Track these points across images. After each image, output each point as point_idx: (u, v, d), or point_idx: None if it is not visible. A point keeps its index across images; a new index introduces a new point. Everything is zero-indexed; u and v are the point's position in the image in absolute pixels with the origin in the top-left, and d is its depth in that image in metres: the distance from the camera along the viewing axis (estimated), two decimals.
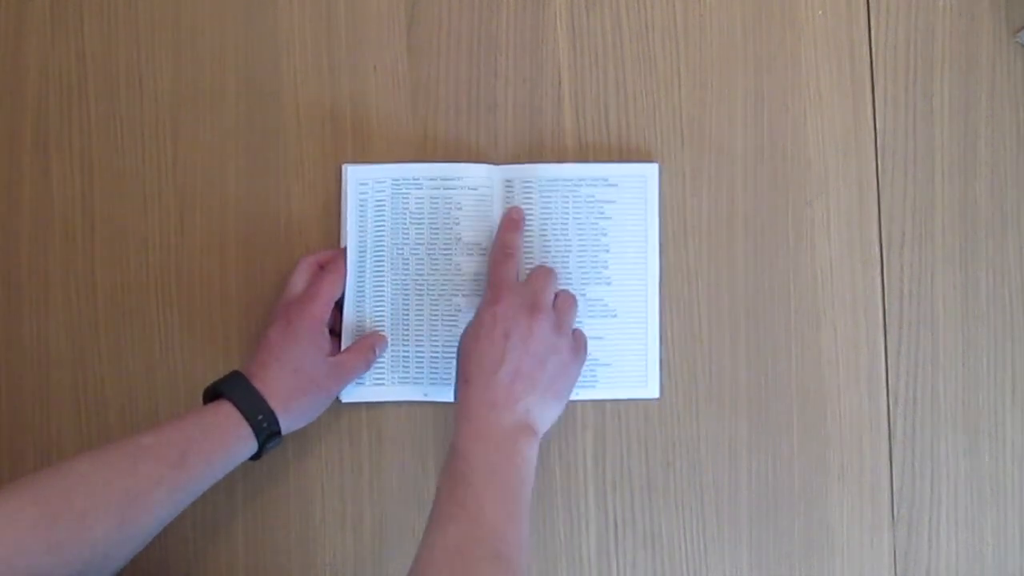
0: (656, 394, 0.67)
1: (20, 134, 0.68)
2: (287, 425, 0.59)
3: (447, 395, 0.66)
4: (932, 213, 0.68)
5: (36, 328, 0.67)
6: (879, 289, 0.68)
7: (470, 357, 0.58)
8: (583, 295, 0.66)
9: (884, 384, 0.68)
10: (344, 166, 0.67)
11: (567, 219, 0.67)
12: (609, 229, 0.67)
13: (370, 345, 0.65)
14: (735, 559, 0.67)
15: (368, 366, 0.65)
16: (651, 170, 0.67)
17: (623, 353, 0.67)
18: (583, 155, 0.68)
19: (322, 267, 0.65)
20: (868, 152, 0.69)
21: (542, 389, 0.57)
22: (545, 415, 0.58)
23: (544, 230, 0.67)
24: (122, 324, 0.67)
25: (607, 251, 0.67)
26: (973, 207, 0.68)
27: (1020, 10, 0.68)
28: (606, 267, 0.67)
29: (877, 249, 0.68)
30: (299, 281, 0.64)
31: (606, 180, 0.67)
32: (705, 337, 0.68)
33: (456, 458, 0.55)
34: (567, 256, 0.67)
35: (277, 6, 0.69)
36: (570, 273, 0.67)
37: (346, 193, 0.66)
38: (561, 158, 0.68)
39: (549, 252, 0.67)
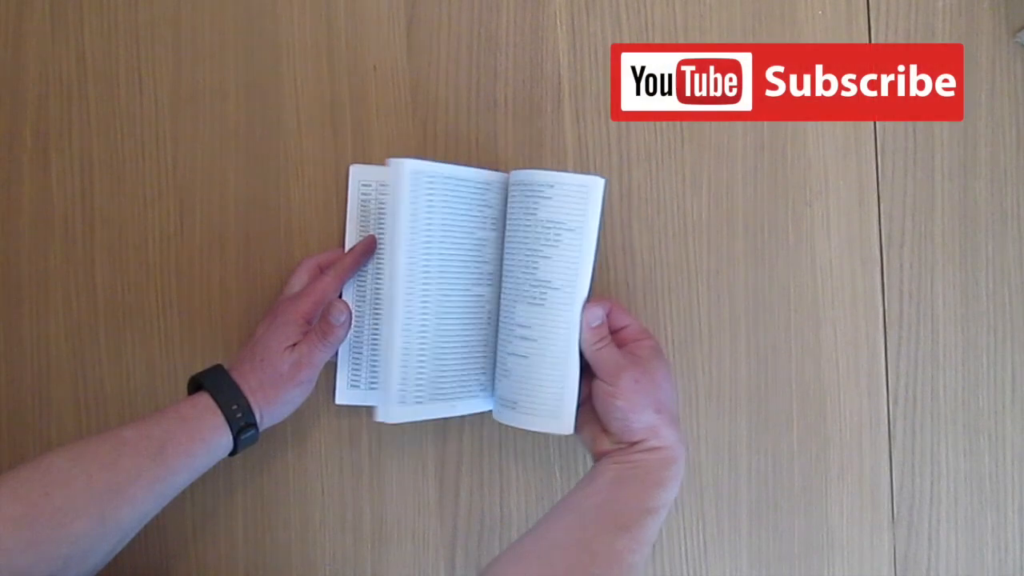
0: (570, 430, 0.60)
1: (20, 134, 0.68)
2: (263, 417, 0.59)
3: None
4: (932, 213, 0.68)
5: (36, 328, 0.67)
6: (879, 289, 0.68)
7: (674, 397, 0.59)
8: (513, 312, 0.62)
9: (884, 384, 0.68)
10: (350, 167, 0.66)
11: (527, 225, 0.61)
12: (552, 241, 0.60)
13: (323, 318, 0.61)
14: (735, 559, 0.67)
15: (330, 342, 0.60)
16: (595, 183, 0.59)
17: (540, 380, 0.61)
18: (583, 155, 0.68)
19: (323, 269, 0.65)
20: (868, 152, 0.69)
21: None
22: None
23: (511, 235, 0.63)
24: (122, 324, 0.67)
25: (548, 267, 0.60)
26: (973, 207, 0.68)
27: (1020, 10, 0.68)
28: (538, 287, 0.60)
29: (877, 249, 0.68)
30: (297, 282, 0.64)
31: (552, 187, 0.59)
32: (705, 337, 0.68)
33: (663, 491, 0.56)
34: (512, 265, 0.62)
35: (277, 6, 0.69)
36: (507, 288, 0.63)
37: (352, 194, 0.66)
38: (561, 158, 0.68)
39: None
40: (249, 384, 0.58)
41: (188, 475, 0.56)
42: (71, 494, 0.51)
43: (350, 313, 0.62)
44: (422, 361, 0.63)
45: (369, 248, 0.65)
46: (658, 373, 0.58)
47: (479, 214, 0.64)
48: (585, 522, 0.54)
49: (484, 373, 0.66)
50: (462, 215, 0.63)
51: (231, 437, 0.57)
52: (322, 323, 0.61)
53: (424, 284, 0.62)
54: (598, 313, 0.60)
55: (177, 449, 0.55)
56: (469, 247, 0.64)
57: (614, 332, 0.61)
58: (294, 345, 0.60)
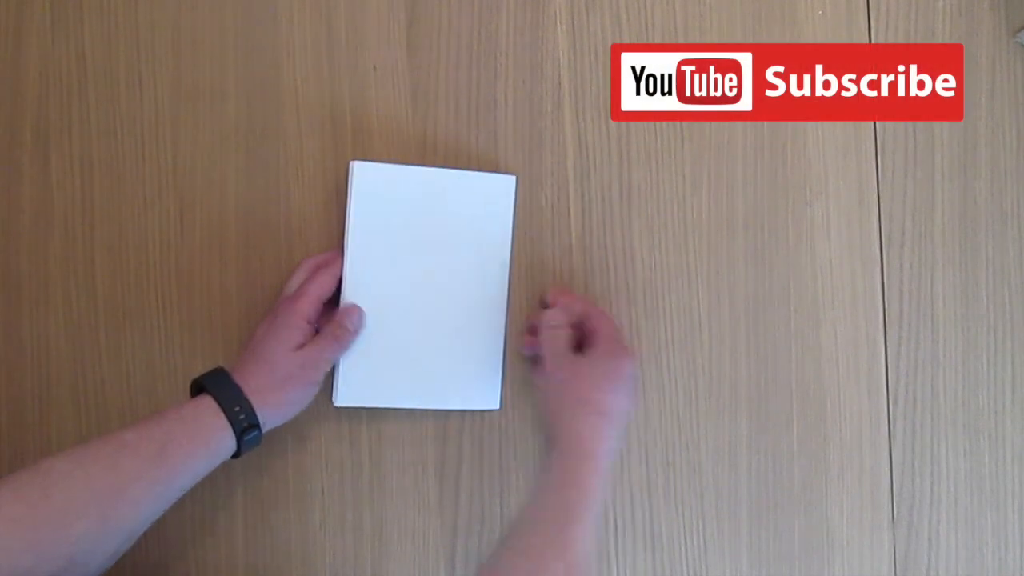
0: (497, 404, 0.66)
1: (20, 134, 0.68)
2: (266, 419, 0.58)
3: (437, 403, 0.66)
4: (932, 213, 0.68)
5: (36, 328, 0.67)
6: (879, 289, 0.68)
7: (608, 395, 0.58)
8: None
9: (884, 384, 0.68)
10: (351, 163, 0.66)
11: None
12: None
13: (337, 323, 0.62)
14: (735, 559, 0.67)
15: (342, 345, 0.62)
16: (507, 182, 0.66)
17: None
18: (583, 155, 0.68)
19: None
20: (868, 152, 0.69)
21: None
22: None
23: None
24: (122, 324, 0.67)
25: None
26: (973, 207, 0.68)
27: (1020, 10, 0.68)
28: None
29: (877, 249, 0.68)
30: (295, 282, 0.64)
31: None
32: (705, 337, 0.68)
33: (578, 491, 0.54)
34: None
35: (277, 6, 0.69)
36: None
37: (351, 189, 0.66)
38: (561, 158, 0.68)
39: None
40: (252, 386, 0.58)
41: (190, 477, 0.56)
42: (72, 495, 0.51)
43: (363, 316, 0.63)
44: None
45: None
46: (600, 374, 0.58)
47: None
48: (522, 543, 0.54)
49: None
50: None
51: (234, 439, 0.57)
52: (335, 327, 0.62)
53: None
54: (564, 300, 0.62)
55: (179, 450, 0.55)
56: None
57: (589, 333, 0.61)
58: (300, 346, 0.60)
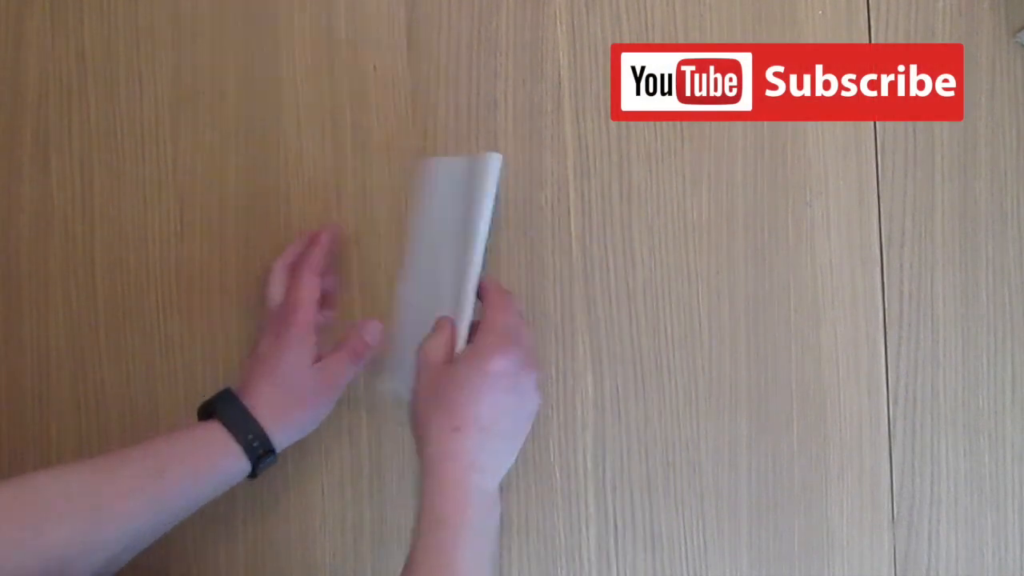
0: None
1: (20, 134, 0.68)
2: (280, 441, 0.57)
3: None
4: (932, 213, 0.68)
5: (36, 328, 0.67)
6: (879, 289, 0.68)
7: (463, 408, 0.54)
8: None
9: (884, 384, 0.68)
10: (431, 160, 0.66)
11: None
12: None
13: (359, 336, 0.61)
14: (735, 559, 0.67)
15: (359, 360, 0.61)
16: (493, 161, 0.60)
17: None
18: (583, 155, 0.68)
19: (293, 269, 0.62)
20: (868, 152, 0.69)
21: (509, 456, 0.56)
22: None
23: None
24: (122, 324, 0.67)
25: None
26: (973, 207, 0.68)
27: (1020, 10, 0.68)
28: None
29: (877, 249, 0.68)
30: (276, 290, 0.61)
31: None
32: (705, 337, 0.68)
33: (443, 526, 0.51)
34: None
35: (277, 6, 0.69)
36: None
37: (432, 186, 0.65)
38: (561, 158, 0.68)
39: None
40: (265, 408, 0.57)
41: (192, 499, 0.55)
42: (48, 501, 0.50)
43: (382, 330, 0.62)
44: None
45: (336, 237, 0.64)
46: (458, 384, 0.54)
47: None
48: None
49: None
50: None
51: (247, 463, 0.56)
52: (357, 341, 0.61)
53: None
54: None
55: (181, 469, 0.54)
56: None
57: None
58: (316, 360, 0.59)
